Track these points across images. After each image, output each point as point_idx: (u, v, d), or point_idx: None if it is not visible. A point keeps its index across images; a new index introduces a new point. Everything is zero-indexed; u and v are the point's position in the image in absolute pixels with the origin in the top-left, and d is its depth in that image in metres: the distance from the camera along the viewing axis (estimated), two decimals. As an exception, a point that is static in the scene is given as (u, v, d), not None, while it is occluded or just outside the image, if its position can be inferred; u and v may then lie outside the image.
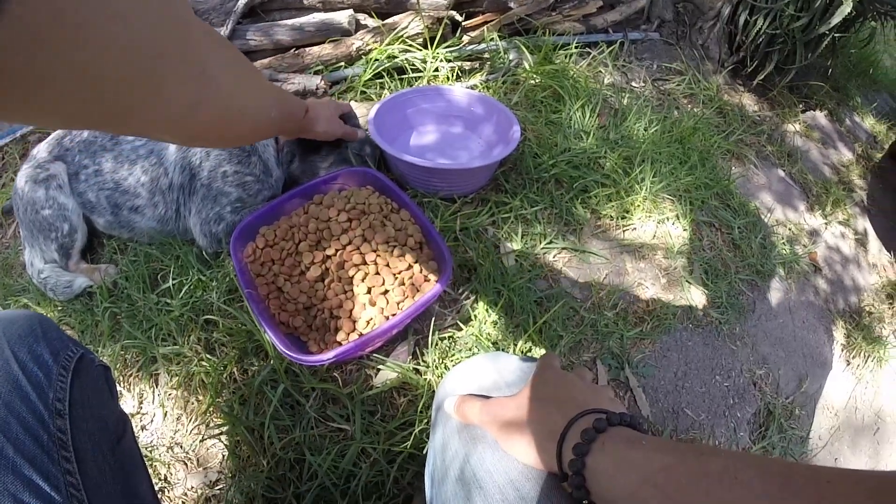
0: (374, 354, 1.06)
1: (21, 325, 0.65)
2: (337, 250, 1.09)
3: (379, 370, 1.06)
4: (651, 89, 1.83)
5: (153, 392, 1.12)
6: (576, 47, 1.76)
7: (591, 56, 1.79)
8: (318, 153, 1.30)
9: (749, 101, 2.15)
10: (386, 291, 1.05)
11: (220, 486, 1.00)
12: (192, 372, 1.09)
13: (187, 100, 0.48)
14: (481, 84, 1.58)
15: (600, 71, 1.77)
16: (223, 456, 1.02)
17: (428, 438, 0.91)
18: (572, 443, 0.46)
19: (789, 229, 1.68)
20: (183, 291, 1.20)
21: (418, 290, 1.04)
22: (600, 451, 0.45)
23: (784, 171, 1.90)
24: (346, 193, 1.18)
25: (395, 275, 1.06)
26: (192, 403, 1.09)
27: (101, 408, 0.68)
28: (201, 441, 1.04)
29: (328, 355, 0.91)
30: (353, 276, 1.06)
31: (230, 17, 1.64)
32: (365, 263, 1.07)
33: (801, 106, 2.23)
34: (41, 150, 1.46)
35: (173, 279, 1.22)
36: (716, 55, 2.21)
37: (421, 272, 1.06)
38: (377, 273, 1.06)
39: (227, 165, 1.29)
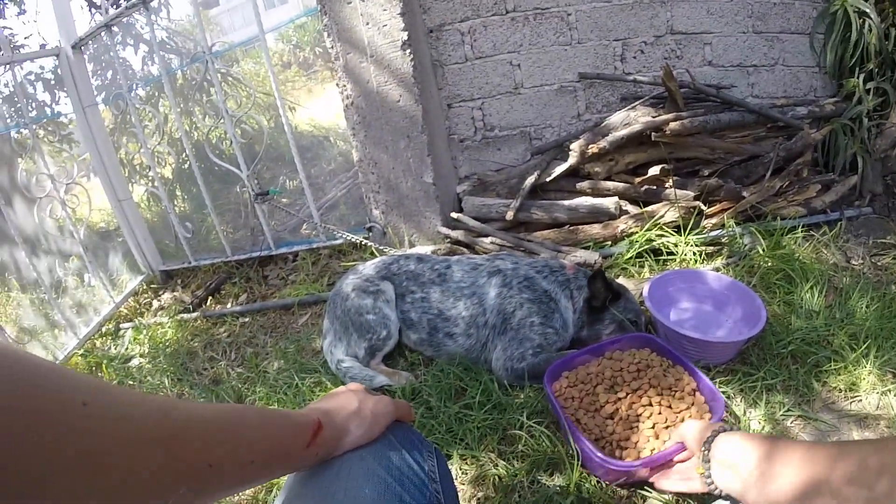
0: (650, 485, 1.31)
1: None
2: (627, 394, 1.44)
3: (646, 498, 1.32)
4: (869, 265, 2.09)
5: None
6: (801, 229, 2.08)
7: (813, 238, 2.10)
8: (602, 322, 1.71)
9: (962, 266, 2.30)
10: (668, 426, 1.35)
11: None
12: (486, 474, 1.40)
13: None
14: (723, 267, 1.96)
15: (822, 252, 2.07)
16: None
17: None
18: None
19: None
20: (484, 409, 1.57)
21: None
22: None
23: None
24: (631, 352, 1.57)
25: (676, 413, 1.38)
26: (478, 499, 1.35)
27: (452, 483, 0.90)
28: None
29: (636, 463, 1.24)
30: (640, 414, 1.40)
31: (519, 194, 2.19)
32: (651, 405, 1.41)
33: None
34: (368, 268, 1.91)
35: (478, 398, 1.60)
36: (926, 223, 2.40)
37: (697, 411, 1.37)
38: (660, 413, 1.39)
39: (536, 317, 1.69)
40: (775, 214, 2.12)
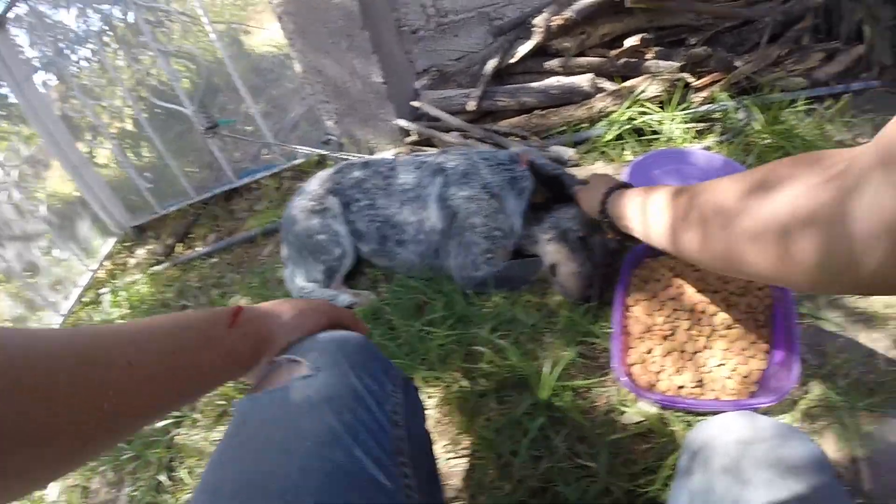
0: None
1: (354, 345, 0.73)
2: (700, 318, 1.19)
3: (623, 412, 1.13)
4: (878, 142, 1.84)
5: (406, 409, 1.32)
6: (802, 102, 1.83)
7: (816, 113, 1.85)
8: (540, 223, 1.45)
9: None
10: (722, 366, 1.12)
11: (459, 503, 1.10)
12: (451, 397, 1.25)
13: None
14: (715, 144, 1.73)
15: (826, 128, 1.82)
16: (466, 475, 1.12)
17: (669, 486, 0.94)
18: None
19: None
20: (448, 324, 1.39)
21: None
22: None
23: None
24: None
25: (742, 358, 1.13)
26: (444, 424, 1.23)
27: (421, 422, 0.77)
28: (447, 460, 1.15)
29: (649, 393, 1.05)
30: (704, 346, 1.15)
31: (481, 81, 1.93)
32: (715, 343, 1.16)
33: None
34: (313, 184, 1.74)
35: (441, 312, 1.43)
36: (940, 98, 2.15)
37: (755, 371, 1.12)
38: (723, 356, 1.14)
39: (476, 217, 1.49)
40: (773, 86, 1.87)
